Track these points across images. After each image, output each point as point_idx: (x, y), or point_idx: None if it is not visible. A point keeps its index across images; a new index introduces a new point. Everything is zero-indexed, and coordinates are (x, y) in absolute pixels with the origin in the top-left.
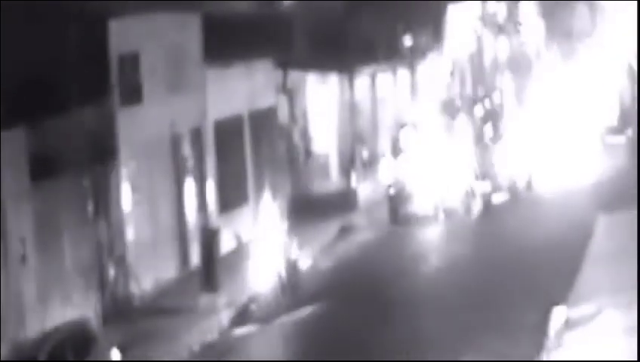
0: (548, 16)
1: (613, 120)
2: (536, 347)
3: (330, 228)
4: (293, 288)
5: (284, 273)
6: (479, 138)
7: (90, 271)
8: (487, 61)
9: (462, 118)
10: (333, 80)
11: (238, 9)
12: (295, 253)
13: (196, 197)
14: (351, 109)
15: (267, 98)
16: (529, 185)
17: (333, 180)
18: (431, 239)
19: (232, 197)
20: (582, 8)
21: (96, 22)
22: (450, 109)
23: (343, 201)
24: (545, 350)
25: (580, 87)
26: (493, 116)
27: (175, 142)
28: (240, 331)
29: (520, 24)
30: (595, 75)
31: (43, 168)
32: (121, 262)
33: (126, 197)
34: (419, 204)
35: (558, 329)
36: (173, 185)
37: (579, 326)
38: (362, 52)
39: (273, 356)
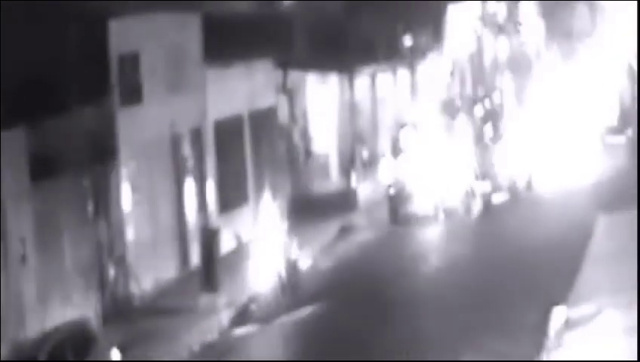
0: (548, 16)
1: (613, 120)
2: (536, 347)
3: (330, 228)
4: (293, 288)
5: (284, 273)
6: (479, 138)
7: (90, 271)
8: (487, 61)
9: (462, 118)
10: (333, 80)
11: (238, 9)
12: (295, 252)
13: (196, 197)
14: (351, 109)
15: (267, 98)
16: (529, 185)
17: (333, 180)
18: (431, 239)
19: (232, 198)
20: (582, 8)
21: (97, 22)
22: (450, 109)
23: (343, 201)
24: (545, 350)
25: (580, 87)
26: (493, 116)
27: (175, 142)
28: (240, 331)
29: (520, 24)
30: (595, 75)
31: (43, 168)
32: (121, 262)
33: (126, 197)
34: (419, 204)
35: (558, 329)
36: (173, 185)
37: (579, 326)
38: (362, 52)
39: (273, 356)
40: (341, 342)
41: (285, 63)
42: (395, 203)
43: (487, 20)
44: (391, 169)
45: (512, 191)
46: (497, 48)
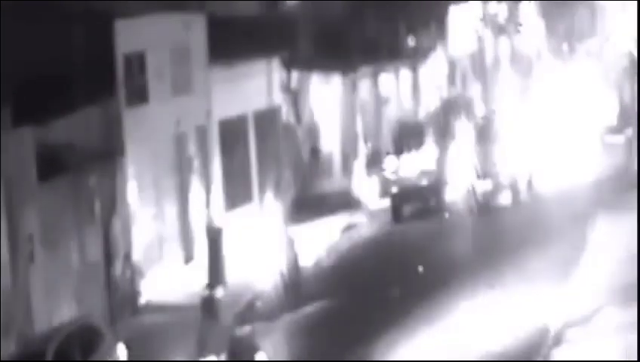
0: (548, 16)
1: (613, 119)
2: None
3: (333, 227)
4: (296, 286)
5: (286, 271)
6: (479, 138)
7: (96, 269)
8: (488, 61)
9: (463, 118)
10: (336, 80)
11: (242, 10)
12: (298, 251)
13: (201, 196)
14: (354, 109)
15: (271, 98)
16: (530, 185)
17: (337, 179)
18: (432, 237)
19: (236, 196)
20: (582, 8)
21: (103, 22)
22: (451, 109)
23: (346, 200)
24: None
25: (580, 86)
26: (493, 116)
27: (180, 142)
28: (242, 330)
29: (520, 24)
30: (595, 75)
31: (50, 167)
32: (127, 259)
33: (132, 196)
34: (421, 203)
35: (558, 329)
36: (179, 184)
37: (579, 326)
38: (365, 52)
39: (276, 354)
40: (344, 339)
41: (289, 63)
42: (398, 201)
43: (488, 21)
44: (394, 167)
45: (513, 190)
46: (498, 48)
